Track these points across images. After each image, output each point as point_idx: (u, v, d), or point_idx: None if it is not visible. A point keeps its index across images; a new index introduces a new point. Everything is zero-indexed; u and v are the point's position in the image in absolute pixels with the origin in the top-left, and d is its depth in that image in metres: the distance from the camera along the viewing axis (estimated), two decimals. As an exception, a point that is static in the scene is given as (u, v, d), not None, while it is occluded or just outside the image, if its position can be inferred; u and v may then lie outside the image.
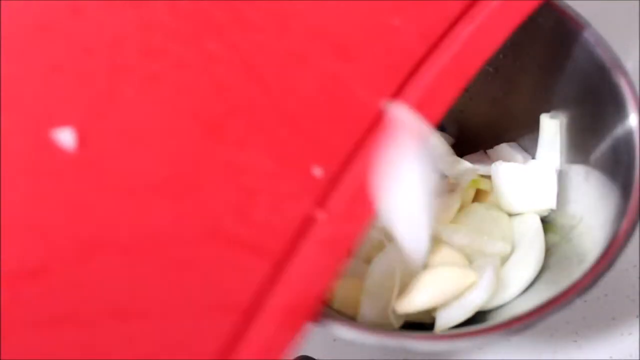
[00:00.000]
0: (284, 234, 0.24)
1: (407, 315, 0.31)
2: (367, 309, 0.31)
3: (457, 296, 0.31)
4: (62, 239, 0.21)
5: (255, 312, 0.23)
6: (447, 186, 0.35)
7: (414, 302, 0.30)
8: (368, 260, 0.33)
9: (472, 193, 0.36)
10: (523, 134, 0.38)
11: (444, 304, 0.31)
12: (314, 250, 0.24)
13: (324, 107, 0.25)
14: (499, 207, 0.36)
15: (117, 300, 0.22)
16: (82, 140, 0.21)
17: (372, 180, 0.25)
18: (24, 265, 0.21)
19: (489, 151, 0.39)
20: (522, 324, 0.27)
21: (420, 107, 0.26)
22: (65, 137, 0.21)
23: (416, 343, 0.28)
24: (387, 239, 0.33)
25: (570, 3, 0.32)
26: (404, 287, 0.31)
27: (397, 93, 0.26)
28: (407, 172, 0.26)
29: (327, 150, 0.25)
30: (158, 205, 0.22)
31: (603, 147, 0.32)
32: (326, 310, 0.28)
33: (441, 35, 0.27)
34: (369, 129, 0.25)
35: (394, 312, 0.31)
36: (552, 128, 0.35)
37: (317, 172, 0.24)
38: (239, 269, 0.23)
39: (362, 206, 0.25)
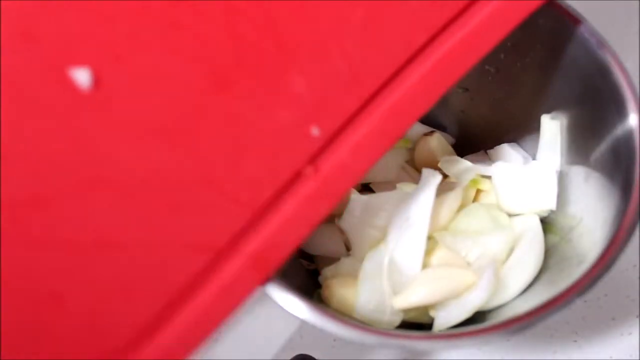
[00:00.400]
0: (271, 186, 0.25)
1: (405, 314, 0.31)
2: (363, 304, 0.31)
3: (456, 296, 0.31)
4: (66, 172, 0.23)
5: (227, 254, 0.25)
6: (447, 186, 0.35)
7: (410, 297, 0.30)
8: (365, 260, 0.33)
9: (472, 193, 0.36)
10: (523, 134, 0.38)
11: (442, 303, 0.31)
12: (297, 203, 0.26)
13: (331, 71, 0.26)
14: (499, 207, 0.36)
15: (108, 232, 0.23)
16: (97, 80, 0.23)
17: (363, 147, 0.26)
18: (30, 193, 0.22)
19: (490, 151, 0.39)
20: (521, 324, 0.27)
21: (416, 93, 0.27)
22: (82, 76, 0.22)
23: (416, 343, 0.28)
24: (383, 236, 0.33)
25: (570, 3, 0.32)
26: (400, 286, 0.31)
27: (397, 73, 0.27)
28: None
29: (328, 112, 0.26)
30: (157, 149, 0.24)
31: (603, 148, 0.32)
32: (325, 310, 0.28)
33: (440, 29, 0.28)
34: (369, 100, 0.27)
35: (391, 308, 0.31)
36: (552, 129, 0.35)
37: (315, 131, 0.26)
38: (220, 215, 0.25)
39: (350, 169, 0.27)
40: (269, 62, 0.25)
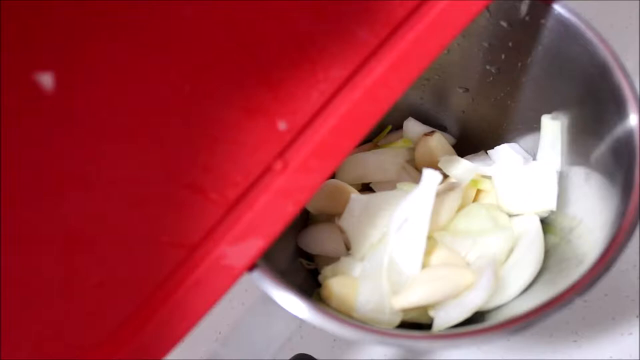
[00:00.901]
0: (242, 182, 0.26)
1: (405, 314, 0.31)
2: (363, 304, 0.31)
3: (455, 296, 0.31)
4: (38, 174, 0.23)
5: (201, 250, 0.25)
6: (447, 186, 0.35)
7: (410, 297, 0.30)
8: (364, 260, 0.33)
9: (472, 193, 0.37)
10: (524, 134, 0.38)
11: (441, 303, 0.31)
12: (268, 198, 0.26)
13: (297, 67, 0.26)
14: (499, 208, 0.36)
15: (79, 229, 0.24)
16: (60, 83, 0.22)
17: (331, 142, 0.27)
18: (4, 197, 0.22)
19: (490, 151, 0.39)
20: (521, 324, 0.27)
21: (379, 87, 0.28)
22: (45, 80, 0.22)
23: (415, 342, 0.28)
24: (383, 236, 0.33)
25: (570, 3, 0.32)
26: (399, 286, 0.31)
27: (363, 65, 0.27)
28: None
29: (295, 106, 0.26)
30: (124, 147, 0.24)
31: (603, 148, 0.32)
32: (325, 309, 0.28)
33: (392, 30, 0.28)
34: (335, 94, 0.27)
35: (390, 307, 0.31)
36: (553, 129, 0.35)
37: (282, 126, 0.26)
38: (192, 212, 0.25)
39: (319, 162, 0.27)
40: (234, 61, 0.25)
